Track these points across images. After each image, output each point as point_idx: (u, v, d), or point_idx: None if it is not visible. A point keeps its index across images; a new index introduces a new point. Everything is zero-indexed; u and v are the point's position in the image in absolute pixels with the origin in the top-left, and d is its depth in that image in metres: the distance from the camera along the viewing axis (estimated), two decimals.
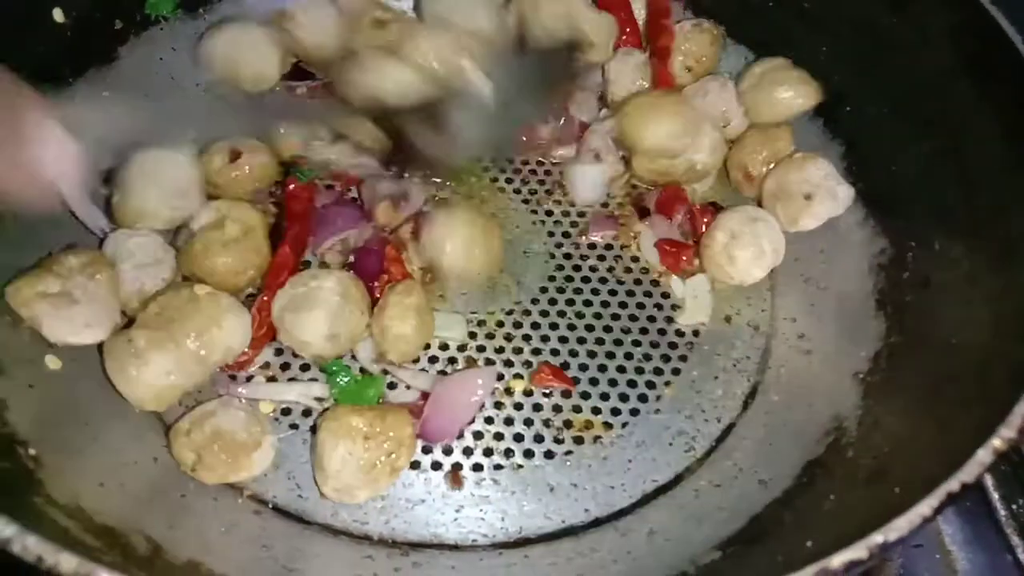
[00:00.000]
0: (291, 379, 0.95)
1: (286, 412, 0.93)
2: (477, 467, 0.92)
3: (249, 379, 0.94)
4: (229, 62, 1.09)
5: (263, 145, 1.03)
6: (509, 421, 0.94)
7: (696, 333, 1.03)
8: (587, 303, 1.03)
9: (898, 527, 0.62)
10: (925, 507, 0.63)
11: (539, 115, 1.14)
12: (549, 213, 1.11)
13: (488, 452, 0.93)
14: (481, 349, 0.99)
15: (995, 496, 0.98)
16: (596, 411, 0.96)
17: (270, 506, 0.88)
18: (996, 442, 0.66)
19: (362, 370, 0.95)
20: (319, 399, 0.93)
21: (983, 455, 0.65)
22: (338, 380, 0.92)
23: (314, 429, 0.90)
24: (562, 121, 1.14)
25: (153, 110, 1.00)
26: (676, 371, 1.00)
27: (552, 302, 1.03)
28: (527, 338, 1.00)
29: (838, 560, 0.60)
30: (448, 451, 0.92)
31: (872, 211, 1.04)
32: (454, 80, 1.04)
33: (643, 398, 0.97)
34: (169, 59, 1.13)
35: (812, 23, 1.10)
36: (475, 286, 1.02)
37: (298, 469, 0.89)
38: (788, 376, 0.99)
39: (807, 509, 0.83)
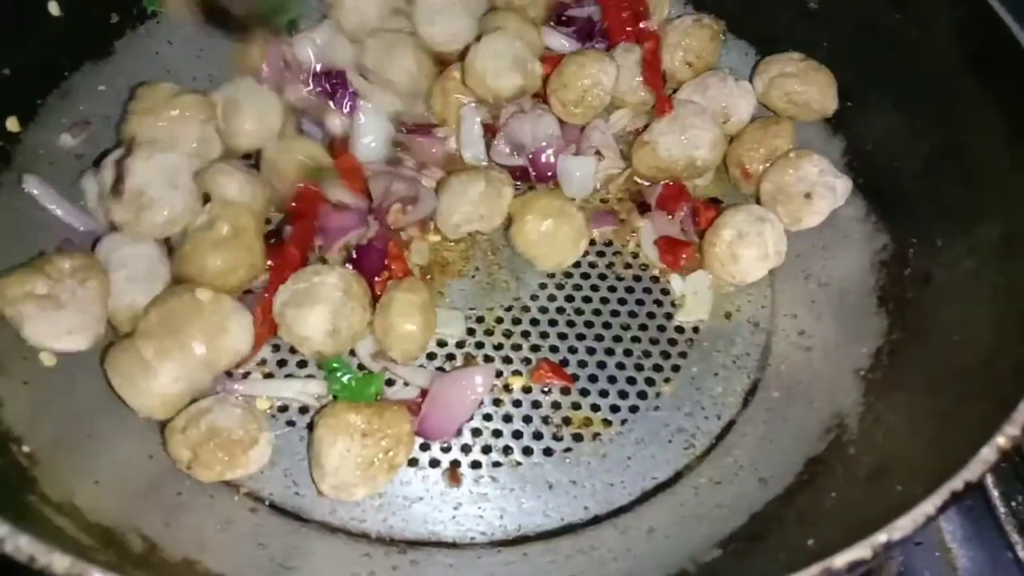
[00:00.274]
0: (288, 376, 0.94)
1: (283, 409, 0.92)
2: (475, 464, 0.91)
3: (246, 376, 0.93)
4: None
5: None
6: (508, 418, 0.94)
7: (696, 330, 1.02)
8: (586, 299, 1.03)
9: (902, 526, 0.62)
10: (929, 506, 0.62)
11: None
12: None
13: (486, 449, 0.92)
14: (480, 346, 0.98)
15: (995, 493, 0.97)
16: (595, 408, 0.95)
17: (267, 503, 0.87)
18: (1000, 440, 0.65)
19: (360, 367, 0.94)
20: (316, 396, 0.92)
21: (987, 453, 0.65)
22: (338, 377, 0.92)
23: (311, 426, 0.90)
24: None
25: None
26: (676, 368, 0.99)
27: (551, 298, 1.03)
28: (526, 335, 1.00)
29: (841, 560, 0.60)
30: (446, 448, 0.92)
31: (873, 207, 1.04)
32: None
33: (642, 395, 0.97)
34: (165, 53, 1.12)
35: (814, 19, 1.10)
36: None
37: (295, 466, 0.89)
38: (788, 373, 0.99)
39: (808, 507, 0.83)
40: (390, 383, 0.94)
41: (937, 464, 0.70)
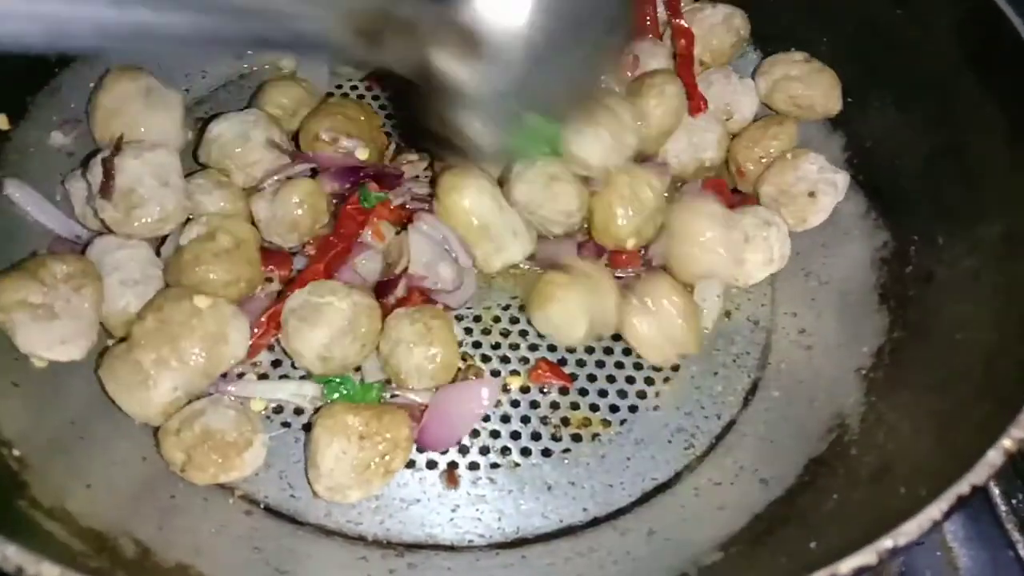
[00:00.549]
0: (283, 377, 0.93)
1: (278, 410, 0.91)
2: (473, 466, 0.90)
3: (240, 376, 0.92)
4: None
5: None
6: (506, 419, 0.93)
7: None
8: None
9: (907, 531, 0.61)
10: (935, 510, 0.62)
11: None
12: None
13: (484, 450, 0.91)
14: (477, 345, 0.97)
15: (995, 492, 0.97)
16: (594, 408, 0.94)
17: (262, 506, 0.86)
18: (1006, 443, 0.64)
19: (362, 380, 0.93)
20: (311, 398, 0.91)
21: (993, 456, 0.64)
22: (336, 386, 0.91)
23: (307, 427, 0.89)
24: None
25: None
26: (675, 367, 0.98)
27: None
28: (523, 334, 0.99)
29: (847, 566, 0.59)
30: (443, 450, 0.90)
31: (874, 204, 1.03)
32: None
33: (642, 395, 0.96)
34: (157, 49, 1.10)
35: (815, 16, 1.09)
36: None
37: (290, 468, 0.88)
38: (789, 372, 0.98)
39: (810, 508, 0.82)
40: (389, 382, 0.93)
41: (941, 466, 0.69)
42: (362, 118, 1.05)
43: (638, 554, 0.85)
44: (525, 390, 0.95)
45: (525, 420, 0.93)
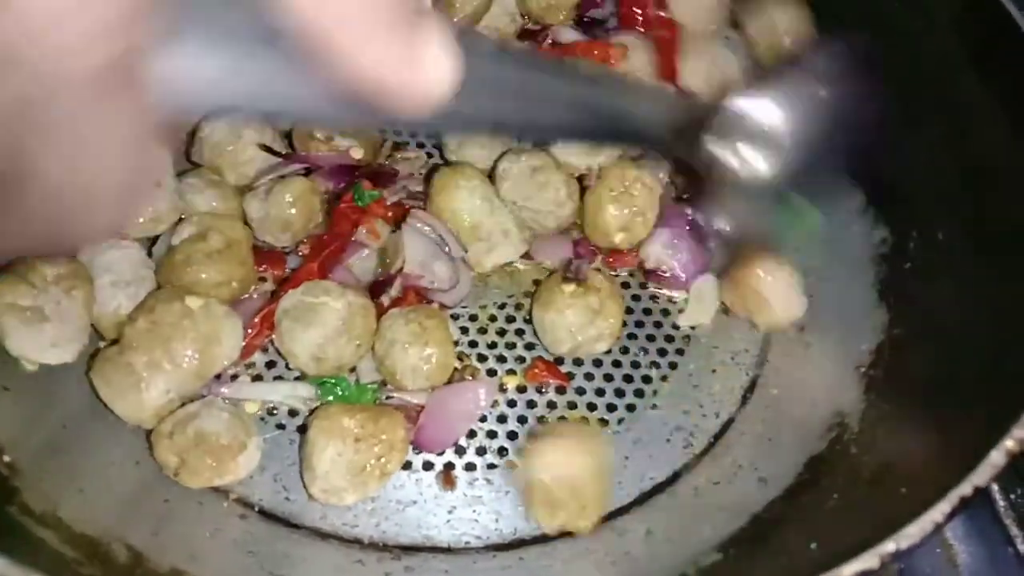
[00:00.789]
0: (277, 378, 0.92)
1: (272, 412, 0.90)
2: (470, 467, 0.89)
3: (234, 378, 0.90)
4: None
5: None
6: (503, 419, 0.92)
7: (693, 326, 1.00)
8: None
9: (910, 534, 0.60)
10: (937, 513, 0.61)
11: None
12: None
13: (481, 451, 0.90)
14: (473, 345, 0.96)
15: (994, 487, 0.96)
16: (591, 407, 0.93)
17: (256, 509, 0.85)
18: (1009, 443, 0.64)
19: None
20: (306, 400, 0.90)
21: (996, 457, 0.63)
22: (331, 387, 0.90)
23: (301, 429, 0.88)
24: None
25: None
26: (673, 365, 0.97)
27: None
28: (520, 333, 0.98)
29: (849, 570, 0.58)
30: (440, 451, 0.90)
31: (873, 200, 1.02)
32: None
33: (639, 394, 0.95)
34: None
35: (812, 9, 1.08)
36: None
37: (285, 471, 0.87)
38: (788, 370, 0.97)
39: (810, 508, 0.81)
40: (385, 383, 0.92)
41: (942, 466, 0.69)
42: None
43: (637, 555, 0.84)
44: (522, 390, 0.94)
45: (522, 420, 0.92)
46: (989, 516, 0.95)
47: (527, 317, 0.98)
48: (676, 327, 1.00)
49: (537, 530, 0.86)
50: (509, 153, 1.00)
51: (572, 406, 0.93)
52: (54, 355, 0.83)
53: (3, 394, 0.81)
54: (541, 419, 0.92)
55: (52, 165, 0.42)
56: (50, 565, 0.59)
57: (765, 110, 0.76)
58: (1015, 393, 0.69)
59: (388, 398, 0.90)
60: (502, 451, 0.90)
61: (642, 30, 1.11)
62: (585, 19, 1.15)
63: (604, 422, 0.93)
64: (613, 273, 1.01)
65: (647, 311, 1.00)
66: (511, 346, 0.97)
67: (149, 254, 0.93)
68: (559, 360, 0.96)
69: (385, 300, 0.93)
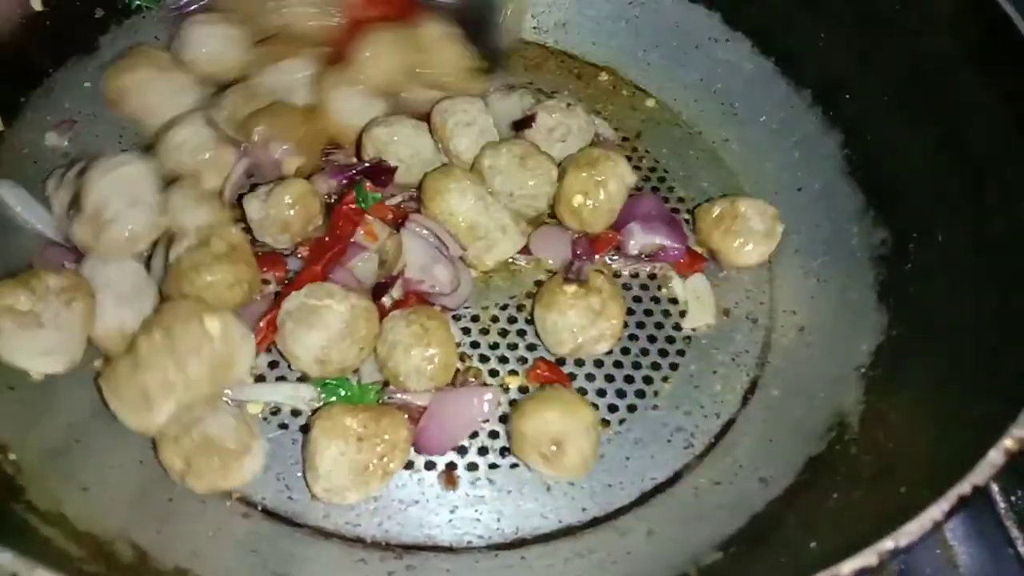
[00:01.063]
0: (280, 378, 0.92)
1: (275, 412, 0.91)
2: (472, 466, 0.90)
3: None
4: None
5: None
6: (504, 419, 0.92)
7: (695, 328, 1.01)
8: None
9: (909, 532, 0.61)
10: (936, 511, 0.61)
11: None
12: None
13: (483, 451, 0.90)
14: (475, 345, 0.97)
15: (994, 489, 0.97)
16: (593, 408, 0.93)
17: (259, 508, 0.86)
18: (1008, 443, 0.64)
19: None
20: (308, 400, 0.90)
21: (995, 456, 0.64)
22: (334, 389, 0.90)
23: (304, 429, 0.88)
24: None
25: None
26: (674, 366, 0.98)
27: None
28: (522, 333, 0.98)
29: (848, 567, 0.59)
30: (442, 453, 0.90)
31: (872, 201, 1.02)
32: None
33: (640, 394, 0.95)
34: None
35: (811, 8, 1.09)
36: None
37: (288, 471, 0.87)
38: (788, 370, 0.98)
39: (810, 508, 0.82)
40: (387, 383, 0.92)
41: (941, 465, 0.69)
42: (303, 126, 1.04)
43: (638, 554, 0.84)
44: (523, 390, 0.94)
45: None
46: (990, 518, 0.95)
47: (529, 318, 0.99)
48: (677, 327, 1.00)
49: (539, 529, 0.87)
50: (488, 148, 1.01)
51: None
52: (43, 363, 0.83)
53: (9, 394, 0.82)
54: None
55: None
56: (55, 562, 0.59)
57: None
58: (1013, 393, 0.70)
59: (390, 399, 0.90)
60: (504, 451, 0.90)
61: None
62: None
63: (605, 422, 0.93)
64: (617, 276, 1.02)
65: (648, 312, 1.01)
66: (513, 347, 0.97)
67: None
68: (561, 361, 0.96)
69: (387, 302, 0.94)
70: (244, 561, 0.81)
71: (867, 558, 0.59)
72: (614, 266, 1.04)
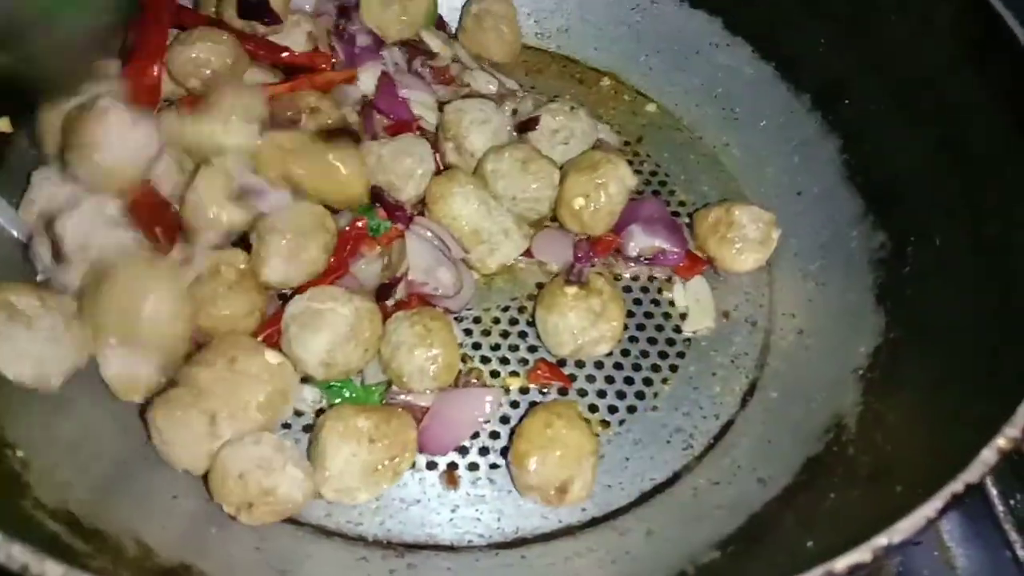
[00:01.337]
0: None
1: None
2: (473, 466, 0.90)
3: None
4: None
5: None
6: (505, 419, 0.93)
7: (695, 331, 1.02)
8: None
9: (902, 529, 0.61)
10: (929, 509, 0.62)
11: None
12: None
13: (484, 451, 0.91)
14: (476, 347, 0.98)
15: (993, 492, 0.97)
16: (593, 409, 0.95)
17: None
18: (1001, 442, 0.65)
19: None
20: (311, 402, 0.91)
21: (988, 455, 0.64)
22: (338, 390, 0.91)
23: (306, 429, 0.89)
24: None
25: None
26: (673, 368, 0.98)
27: None
28: (523, 335, 0.99)
29: (842, 563, 0.59)
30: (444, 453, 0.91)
31: (871, 205, 1.03)
32: None
33: (640, 395, 0.96)
34: None
35: (811, 12, 1.10)
36: None
37: None
38: (787, 372, 0.99)
39: (807, 508, 0.82)
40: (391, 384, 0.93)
41: (937, 465, 0.70)
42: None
43: (637, 554, 0.85)
44: (524, 391, 0.95)
45: None
46: (988, 520, 0.96)
47: (530, 319, 1.00)
48: (677, 329, 1.01)
49: (539, 529, 0.87)
50: (491, 152, 1.02)
51: None
52: (14, 369, 0.81)
53: (15, 392, 0.82)
54: None
55: None
56: (61, 557, 0.60)
57: None
58: (1008, 393, 0.70)
59: (393, 399, 0.91)
60: (505, 451, 0.91)
61: None
62: None
63: (605, 423, 0.94)
64: (617, 278, 1.03)
65: (648, 315, 1.02)
66: (514, 348, 0.98)
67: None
68: (561, 362, 0.97)
69: (390, 304, 0.95)
70: (248, 558, 0.81)
71: (861, 554, 0.60)
72: (615, 269, 1.05)
